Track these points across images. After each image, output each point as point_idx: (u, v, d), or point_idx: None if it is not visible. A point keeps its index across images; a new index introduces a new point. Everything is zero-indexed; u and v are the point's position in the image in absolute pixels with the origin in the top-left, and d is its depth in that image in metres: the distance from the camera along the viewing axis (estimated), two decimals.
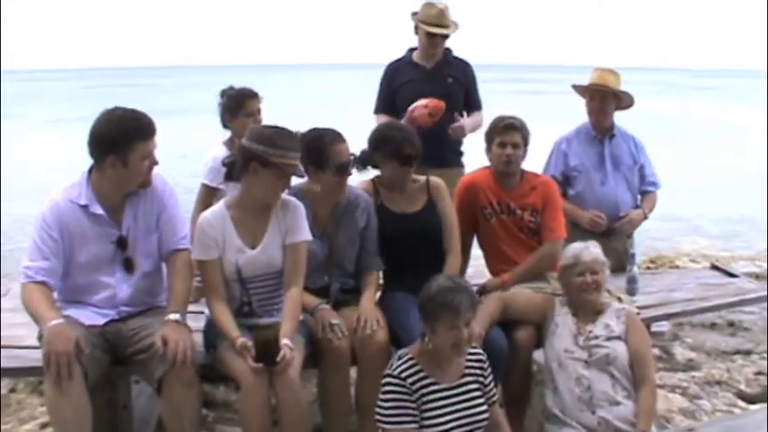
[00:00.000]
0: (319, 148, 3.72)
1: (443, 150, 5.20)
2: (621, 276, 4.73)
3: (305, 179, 3.79)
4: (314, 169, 3.75)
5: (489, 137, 4.39)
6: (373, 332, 3.69)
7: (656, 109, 24.65)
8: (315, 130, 3.82)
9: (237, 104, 4.75)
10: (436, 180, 4.15)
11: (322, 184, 3.79)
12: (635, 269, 4.77)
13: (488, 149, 4.39)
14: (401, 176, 4.03)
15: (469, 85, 5.38)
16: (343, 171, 3.77)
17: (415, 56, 5.35)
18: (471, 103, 5.41)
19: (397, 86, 5.29)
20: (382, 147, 4.02)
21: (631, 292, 4.68)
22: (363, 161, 4.00)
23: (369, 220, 3.97)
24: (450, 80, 5.27)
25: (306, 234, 3.64)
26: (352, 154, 3.78)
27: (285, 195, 3.65)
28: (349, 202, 3.94)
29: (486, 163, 4.48)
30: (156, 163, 3.57)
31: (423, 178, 4.12)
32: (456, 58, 5.38)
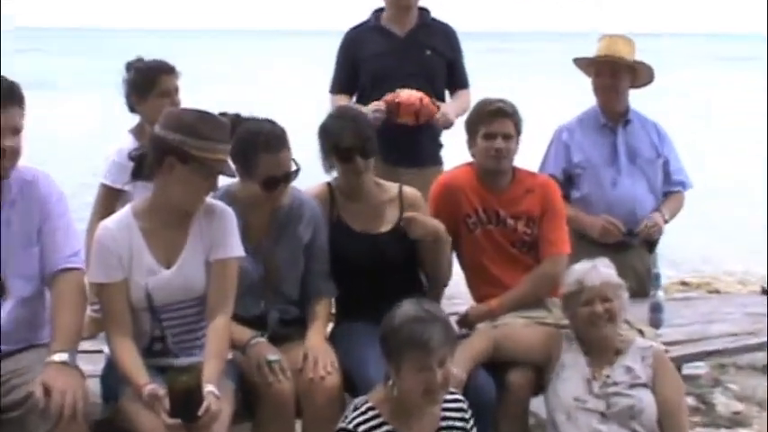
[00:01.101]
0: (247, 153, 3.77)
1: (417, 144, 5.25)
2: (643, 303, 4.77)
3: (236, 179, 3.84)
4: (241, 171, 3.79)
5: (472, 126, 4.42)
6: (323, 375, 3.75)
7: (679, 84, 24.24)
8: (250, 122, 3.86)
9: (148, 81, 4.74)
10: (412, 193, 4.21)
11: (248, 192, 3.84)
12: (660, 294, 4.80)
13: (471, 142, 4.43)
14: (349, 179, 4.09)
15: (454, 58, 5.46)
16: (272, 187, 3.81)
17: (384, 19, 5.41)
18: (456, 79, 5.48)
19: (361, 60, 5.34)
20: (321, 140, 4.11)
21: (656, 323, 4.70)
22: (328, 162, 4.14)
23: (315, 234, 4.02)
24: (429, 52, 5.35)
25: (236, 249, 3.67)
26: (296, 164, 3.84)
27: (210, 199, 3.67)
28: (291, 209, 3.98)
29: (469, 158, 4.52)
30: (16, 152, 3.51)
31: (394, 188, 4.20)
32: (435, 21, 5.45)
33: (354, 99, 5.37)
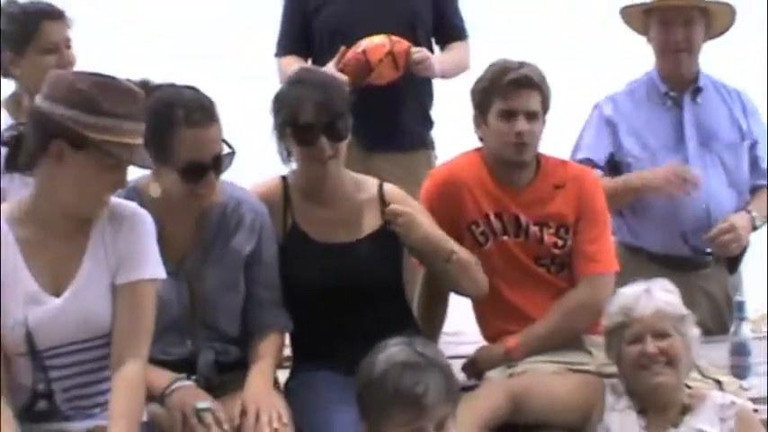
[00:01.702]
0: (161, 130, 3.67)
1: (398, 119, 5.12)
2: (722, 343, 4.56)
3: (145, 174, 3.83)
4: (153, 158, 3.65)
5: (484, 99, 4.31)
6: None
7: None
8: (165, 90, 3.80)
9: (26, 31, 4.47)
10: (395, 192, 4.20)
11: (164, 186, 3.78)
12: (746, 330, 4.52)
13: (480, 121, 4.34)
14: (310, 169, 4.04)
15: (443, 1, 5.29)
16: (196, 176, 3.75)
17: None
18: (447, 30, 5.31)
19: (313, 10, 5.19)
20: (274, 115, 4.06)
21: (740, 371, 4.44)
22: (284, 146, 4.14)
23: (260, 247, 3.97)
24: None
25: (154, 268, 3.58)
26: (228, 146, 3.81)
27: (116, 200, 3.57)
28: (225, 214, 3.93)
29: (475, 143, 4.41)
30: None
31: (373, 186, 4.19)
32: None
33: (310, 62, 5.30)
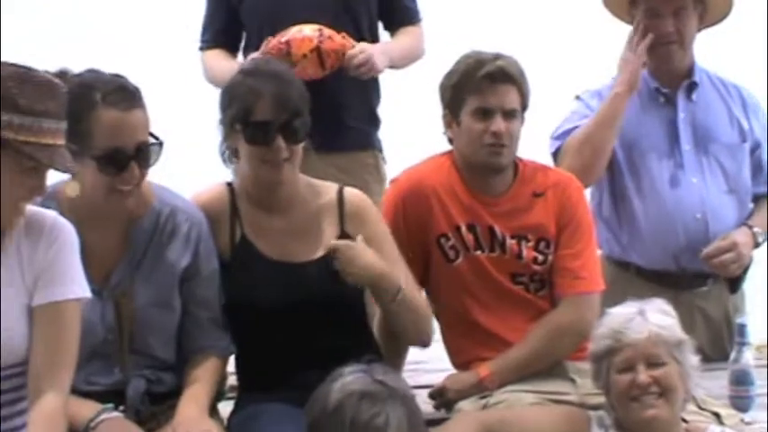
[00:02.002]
0: (79, 113, 3.63)
1: (341, 118, 5.02)
2: (721, 370, 4.55)
3: (63, 179, 3.79)
4: (72, 151, 3.57)
5: (455, 97, 4.31)
6: None
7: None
8: (85, 75, 3.76)
9: None
10: (357, 198, 4.20)
11: (83, 183, 3.73)
12: (747, 356, 4.49)
13: (451, 121, 4.36)
14: (263, 174, 4.02)
15: None
16: (115, 166, 3.71)
17: None
18: (396, 11, 5.19)
19: None
20: (223, 110, 4.04)
21: (741, 403, 4.40)
22: (234, 147, 4.11)
23: (197, 259, 3.96)
24: None
25: (76, 286, 3.48)
26: (155, 138, 3.80)
27: (35, 209, 3.51)
28: (159, 220, 3.91)
29: (443, 146, 4.41)
30: None
31: (332, 190, 4.18)
32: None
33: (240, 57, 5.23)
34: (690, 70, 4.99)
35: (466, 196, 4.29)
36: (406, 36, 5.10)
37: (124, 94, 3.72)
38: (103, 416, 3.69)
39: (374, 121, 5.19)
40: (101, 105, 3.68)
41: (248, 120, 3.93)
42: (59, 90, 3.39)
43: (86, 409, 3.68)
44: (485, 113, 4.22)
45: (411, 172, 4.45)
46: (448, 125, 4.34)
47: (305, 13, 4.83)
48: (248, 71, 4.08)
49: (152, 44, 14.03)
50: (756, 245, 4.94)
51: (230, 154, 4.05)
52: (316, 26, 4.75)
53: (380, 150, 5.15)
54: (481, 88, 4.22)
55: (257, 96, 3.92)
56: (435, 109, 4.47)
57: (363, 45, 4.82)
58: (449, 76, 4.34)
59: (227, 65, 5.04)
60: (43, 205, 3.60)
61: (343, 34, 4.79)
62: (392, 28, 5.14)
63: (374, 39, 5.02)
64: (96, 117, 3.67)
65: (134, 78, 3.84)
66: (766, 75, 8.12)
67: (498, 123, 4.20)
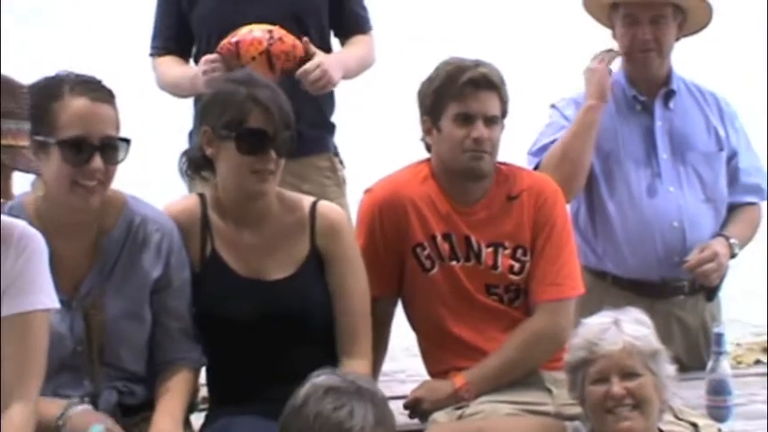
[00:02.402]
0: (44, 104, 3.62)
1: (297, 123, 4.95)
2: (698, 380, 4.52)
3: (29, 190, 3.80)
4: (36, 148, 3.59)
5: (436, 103, 4.28)
6: None
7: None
8: (60, 72, 3.74)
9: None
10: (330, 210, 4.17)
11: (47, 179, 3.69)
12: (724, 365, 4.46)
13: (430, 127, 4.32)
14: (247, 185, 3.95)
15: None
16: (79, 153, 3.65)
17: None
18: (346, 22, 5.12)
19: (189, 3, 4.96)
20: (207, 115, 3.98)
21: (719, 413, 4.37)
22: (193, 159, 4.04)
23: (168, 270, 3.92)
24: None
25: (46, 296, 3.45)
26: (124, 140, 3.71)
27: (3, 218, 3.45)
28: (130, 230, 3.87)
29: (419, 152, 4.39)
30: None
31: (306, 204, 4.13)
32: None
33: (192, 62, 5.13)
34: (667, 78, 4.96)
35: (443, 205, 4.27)
36: (358, 45, 5.04)
37: (94, 86, 3.69)
38: (70, 411, 3.65)
39: (328, 127, 5.10)
40: (68, 94, 3.65)
41: (242, 127, 3.86)
42: (19, 90, 3.33)
43: (53, 407, 3.64)
44: (466, 119, 4.19)
45: (387, 181, 4.43)
46: (427, 132, 4.31)
47: (249, 21, 4.73)
48: (241, 80, 3.98)
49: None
50: (732, 255, 4.91)
51: (195, 165, 3.97)
52: (267, 27, 4.65)
53: (336, 154, 5.07)
54: (463, 94, 4.19)
55: (254, 104, 3.86)
56: (392, 114, 4.45)
57: (319, 58, 4.71)
58: (429, 81, 4.31)
59: (181, 70, 5.00)
60: (11, 215, 3.54)
61: (305, 40, 4.65)
62: (343, 36, 5.07)
63: (326, 48, 4.92)
64: (63, 105, 3.63)
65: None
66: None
67: (480, 129, 4.17)
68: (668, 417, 3.94)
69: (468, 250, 4.23)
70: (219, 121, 3.90)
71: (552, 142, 4.86)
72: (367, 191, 4.40)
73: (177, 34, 5.03)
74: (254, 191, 3.97)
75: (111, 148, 3.71)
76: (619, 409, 3.69)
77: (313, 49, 4.68)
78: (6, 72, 3.33)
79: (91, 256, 3.84)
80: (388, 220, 4.27)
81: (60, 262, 3.67)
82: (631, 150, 4.92)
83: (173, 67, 4.99)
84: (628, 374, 3.70)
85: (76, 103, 3.66)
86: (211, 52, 4.72)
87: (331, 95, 5.04)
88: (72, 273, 3.79)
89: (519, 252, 4.25)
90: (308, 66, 4.61)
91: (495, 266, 4.24)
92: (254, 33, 4.57)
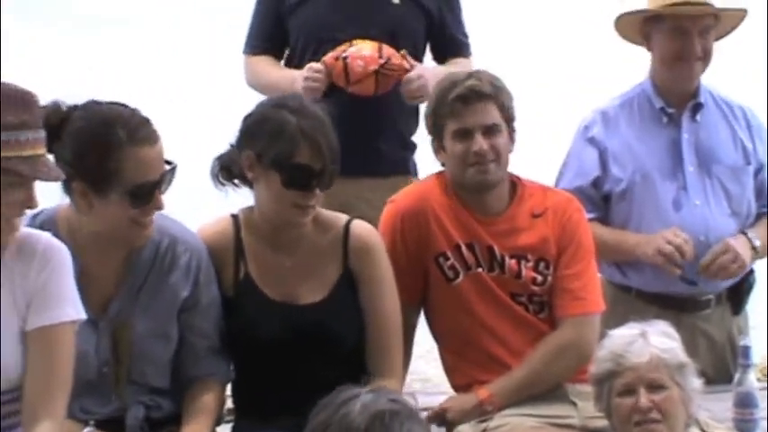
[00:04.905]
0: (100, 153, 3.58)
1: (378, 144, 5.00)
2: (725, 392, 4.41)
3: (63, 202, 3.74)
4: (84, 191, 3.62)
5: (435, 123, 4.29)
6: None
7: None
8: (91, 107, 3.71)
9: None
10: (363, 230, 4.11)
11: (100, 217, 3.66)
12: (752, 378, 4.34)
13: (438, 147, 4.34)
14: (286, 212, 3.93)
15: (440, 9, 5.16)
16: (145, 198, 3.65)
17: None
18: (445, 44, 5.21)
19: (288, 9, 5.04)
20: (254, 140, 3.91)
21: (747, 426, 4.27)
22: (227, 168, 4.02)
23: (197, 290, 3.89)
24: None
25: (72, 308, 3.43)
26: (169, 163, 3.72)
27: (28, 229, 3.48)
28: (159, 250, 3.84)
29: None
30: None
31: (339, 224, 4.09)
32: None
33: (282, 64, 5.29)
34: (696, 91, 4.88)
35: (464, 215, 4.24)
36: (457, 66, 4.99)
37: (147, 130, 3.66)
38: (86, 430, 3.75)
39: (409, 147, 5.14)
40: (127, 143, 3.61)
41: (290, 161, 3.82)
42: (33, 100, 3.33)
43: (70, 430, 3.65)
44: (465, 134, 4.17)
45: (408, 191, 4.46)
46: (437, 151, 4.31)
47: (348, 35, 4.79)
48: (293, 108, 3.91)
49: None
50: (753, 249, 4.79)
51: (228, 176, 3.93)
52: (374, 44, 4.71)
53: (416, 174, 5.10)
54: (456, 110, 4.16)
55: (303, 138, 3.81)
56: None
57: (420, 69, 4.81)
58: (427, 104, 4.34)
59: (280, 73, 5.08)
60: (42, 228, 3.57)
61: (403, 53, 4.75)
62: (441, 59, 5.12)
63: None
64: (125, 155, 3.60)
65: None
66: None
67: (479, 142, 4.13)
68: (694, 430, 3.87)
69: (492, 260, 4.20)
70: (266, 150, 3.86)
71: (580, 186, 4.69)
72: (390, 201, 4.38)
73: (274, 35, 5.09)
74: (293, 222, 3.97)
75: (167, 179, 3.72)
76: (645, 423, 3.63)
77: (412, 61, 4.75)
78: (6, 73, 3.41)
79: (120, 275, 3.82)
80: (410, 229, 4.23)
81: (89, 281, 3.65)
82: (657, 163, 4.84)
83: (271, 67, 5.10)
84: (655, 387, 3.66)
85: (139, 153, 3.62)
86: (306, 59, 4.87)
87: (416, 115, 5.02)
88: (101, 291, 3.78)
89: (541, 265, 4.21)
90: (411, 75, 4.71)
91: (518, 276, 4.19)
92: (364, 52, 4.69)
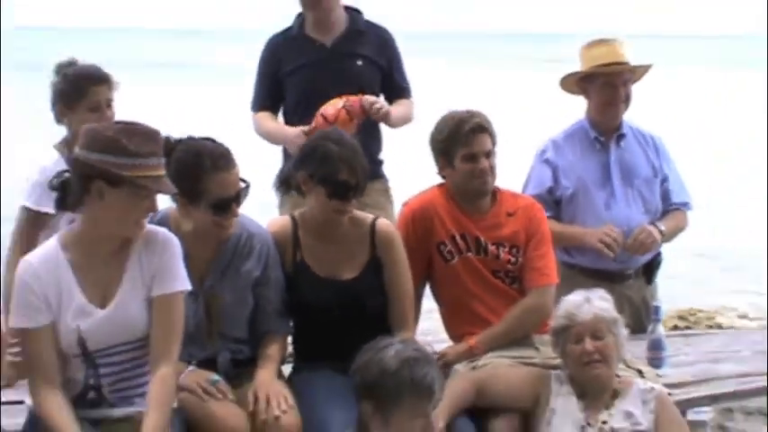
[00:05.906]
0: (192, 176, 3.95)
1: None
2: (641, 340, 4.89)
3: (173, 205, 4.07)
4: (184, 201, 4.00)
5: (447, 148, 4.60)
6: (278, 414, 3.95)
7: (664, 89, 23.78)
8: (188, 142, 4.06)
9: (76, 91, 4.74)
10: (386, 230, 4.41)
11: (194, 221, 4.03)
12: (660, 329, 4.91)
13: (444, 165, 4.62)
14: (330, 215, 4.27)
15: (389, 66, 5.61)
16: (224, 209, 3.99)
17: (308, 26, 5.55)
18: (394, 90, 5.64)
19: (284, 75, 5.53)
20: (307, 164, 4.26)
21: (656, 362, 4.83)
22: (285, 180, 4.38)
23: (267, 271, 4.22)
24: (361, 62, 5.50)
25: (182, 281, 3.79)
26: (244, 181, 4.04)
27: (151, 226, 3.79)
28: (240, 241, 4.15)
29: (432, 179, 4.73)
30: None
31: (367, 222, 4.38)
32: (370, 24, 5.61)
33: (281, 118, 5.63)
34: (620, 125, 5.40)
35: (459, 214, 4.63)
36: (402, 105, 5.57)
37: (226, 159, 4.03)
38: (188, 368, 4.12)
39: (379, 162, 5.64)
40: (211, 170, 3.98)
41: (333, 179, 4.19)
42: (157, 136, 3.67)
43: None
44: (472, 157, 4.54)
45: (418, 196, 4.76)
46: (442, 168, 4.62)
47: (330, 93, 5.23)
48: (335, 140, 4.31)
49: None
50: (660, 232, 5.30)
51: (287, 187, 4.42)
52: (337, 100, 5.15)
53: (386, 179, 5.61)
54: (467, 140, 4.55)
55: (342, 163, 4.19)
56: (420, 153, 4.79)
57: (379, 98, 5.27)
58: (439, 132, 4.63)
59: (275, 126, 5.54)
60: (158, 224, 3.95)
61: (360, 95, 5.18)
62: (390, 100, 5.52)
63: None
64: (210, 179, 3.99)
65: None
66: None
67: (483, 163, 4.53)
68: (621, 365, 4.29)
69: (479, 247, 4.60)
70: (316, 172, 4.23)
71: (535, 195, 5.17)
72: (405, 203, 4.74)
73: (272, 95, 5.55)
74: (335, 222, 4.32)
75: (242, 196, 4.09)
76: (591, 363, 4.06)
77: (371, 97, 5.15)
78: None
79: (212, 259, 4.16)
80: (419, 224, 4.60)
81: (191, 263, 3.94)
82: (593, 177, 5.33)
83: (269, 121, 5.52)
84: (597, 336, 4.06)
85: (220, 177, 4.01)
86: (297, 111, 5.29)
87: (378, 139, 5.54)
88: (199, 271, 4.09)
89: (514, 250, 4.62)
90: (372, 98, 5.10)
91: (497, 258, 4.59)
92: (332, 103, 5.14)
